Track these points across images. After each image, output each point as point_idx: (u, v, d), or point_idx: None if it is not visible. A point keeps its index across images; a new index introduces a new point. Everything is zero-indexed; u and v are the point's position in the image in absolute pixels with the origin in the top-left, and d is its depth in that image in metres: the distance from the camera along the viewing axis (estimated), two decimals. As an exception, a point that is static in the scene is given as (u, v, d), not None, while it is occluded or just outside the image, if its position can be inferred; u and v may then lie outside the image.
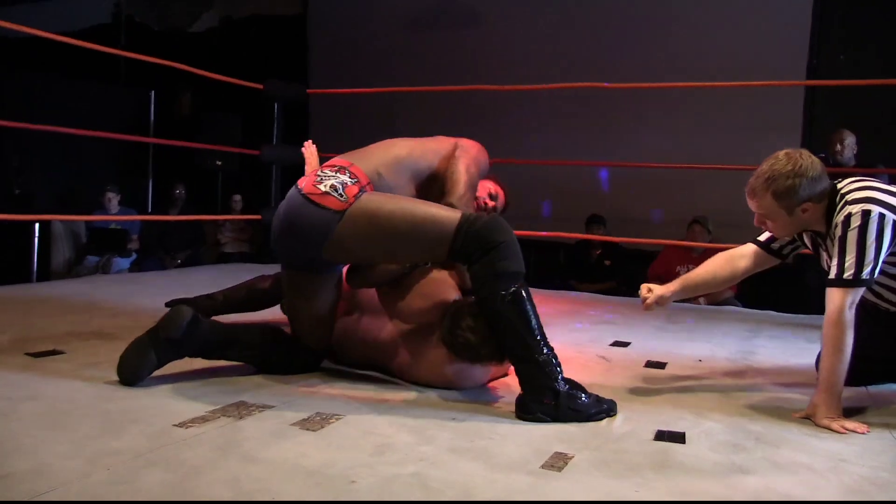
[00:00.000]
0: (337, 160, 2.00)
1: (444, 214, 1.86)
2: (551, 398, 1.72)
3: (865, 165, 4.22)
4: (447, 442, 1.54)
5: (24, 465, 1.30)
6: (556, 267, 5.91)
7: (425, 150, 2.13)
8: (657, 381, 2.20)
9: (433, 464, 1.41)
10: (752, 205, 1.94)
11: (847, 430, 1.74)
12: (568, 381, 1.78)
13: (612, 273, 5.47)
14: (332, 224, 1.84)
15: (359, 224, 1.85)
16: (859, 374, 2.18)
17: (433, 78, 5.59)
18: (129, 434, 1.49)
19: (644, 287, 2.13)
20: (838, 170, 4.17)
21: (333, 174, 1.92)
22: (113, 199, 5.88)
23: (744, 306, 4.42)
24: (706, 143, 5.44)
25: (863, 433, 1.73)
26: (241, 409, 1.69)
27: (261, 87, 4.54)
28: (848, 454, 1.59)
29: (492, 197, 2.44)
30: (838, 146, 4.24)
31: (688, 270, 4.74)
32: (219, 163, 6.59)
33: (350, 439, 1.53)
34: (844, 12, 5.26)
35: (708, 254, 4.68)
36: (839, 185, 1.92)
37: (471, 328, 1.86)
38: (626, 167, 5.51)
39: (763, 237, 2.16)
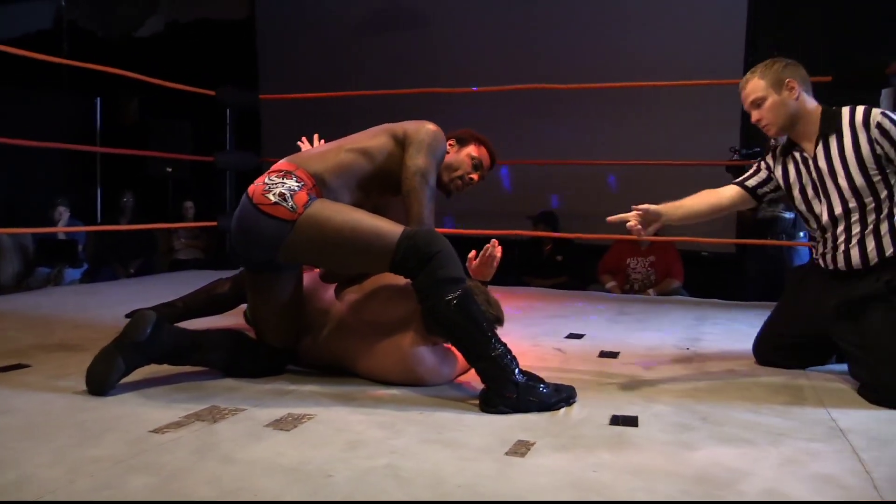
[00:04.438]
0: (282, 164, 2.08)
1: (387, 229, 1.93)
2: (513, 391, 1.81)
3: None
4: (416, 435, 1.63)
5: (7, 477, 1.34)
6: (510, 263, 6.04)
7: (372, 154, 2.11)
8: (610, 369, 2.32)
9: (404, 455, 1.49)
10: (745, 96, 2.22)
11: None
12: (526, 373, 1.88)
13: (564, 268, 5.62)
14: (284, 234, 1.94)
15: (308, 235, 1.94)
16: (798, 356, 2.36)
17: (384, 80, 5.65)
18: (108, 442, 1.53)
19: (632, 215, 2.19)
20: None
21: (281, 180, 1.99)
22: (64, 213, 5.78)
23: (690, 296, 4.62)
24: (651, 140, 5.63)
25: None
26: (214, 413, 1.75)
27: (212, 93, 4.54)
28: (786, 429, 1.73)
29: (476, 167, 2.28)
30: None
31: (637, 263, 4.99)
32: (169, 169, 6.54)
33: (323, 437, 1.60)
34: (779, 9, 5.51)
35: (655, 246, 4.89)
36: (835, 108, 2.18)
37: None
38: (575, 165, 5.66)
39: (743, 177, 2.38)
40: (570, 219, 5.91)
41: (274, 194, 1.95)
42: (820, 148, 2.18)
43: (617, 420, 1.77)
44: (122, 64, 3.94)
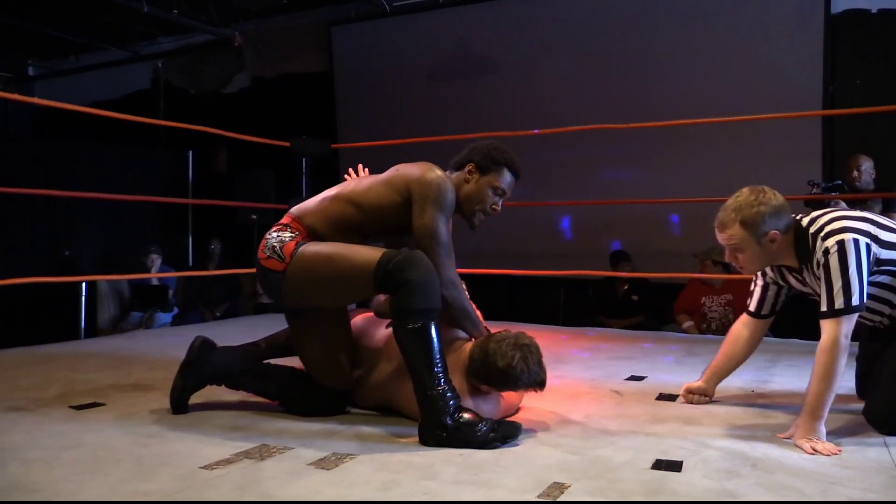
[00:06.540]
0: (285, 217, 2.24)
1: (366, 258, 2.00)
2: (441, 430, 1.87)
3: (883, 190, 4.23)
4: (452, 476, 1.64)
5: (64, 507, 1.44)
6: (584, 303, 5.98)
7: (361, 204, 2.17)
8: (665, 412, 2.26)
9: (436, 496, 1.51)
10: (722, 238, 2.07)
11: (815, 451, 1.81)
12: (465, 416, 1.89)
13: (640, 308, 5.52)
14: (279, 282, 2.11)
15: (298, 279, 2.09)
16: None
17: (453, 124, 5.78)
18: (160, 476, 1.63)
19: (684, 393, 2.41)
20: (857, 196, 4.19)
21: (277, 234, 2.16)
22: (156, 260, 6.15)
23: (774, 335, 4.40)
24: (727, 177, 5.49)
25: (827, 455, 1.79)
26: (262, 452, 1.82)
27: (287, 144, 4.76)
28: (842, 477, 1.64)
29: (498, 193, 2.21)
30: (855, 172, 4.26)
31: (713, 302, 4.84)
32: (254, 216, 6.84)
33: (361, 476, 1.64)
34: (855, 38, 5.32)
35: (730, 284, 4.73)
36: (804, 223, 2.04)
37: (503, 356, 2.01)
38: (652, 203, 5.58)
39: (752, 306, 2.31)
40: (646, 258, 5.81)
41: (268, 248, 2.14)
42: (805, 272, 2.08)
43: (660, 464, 1.72)
44: (212, 118, 4.21)
